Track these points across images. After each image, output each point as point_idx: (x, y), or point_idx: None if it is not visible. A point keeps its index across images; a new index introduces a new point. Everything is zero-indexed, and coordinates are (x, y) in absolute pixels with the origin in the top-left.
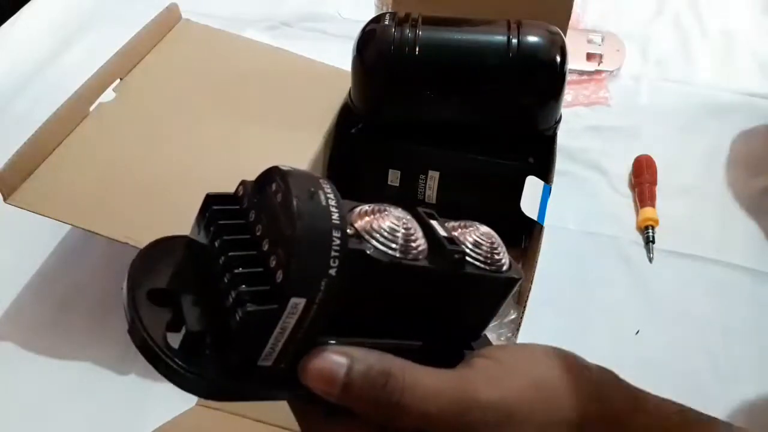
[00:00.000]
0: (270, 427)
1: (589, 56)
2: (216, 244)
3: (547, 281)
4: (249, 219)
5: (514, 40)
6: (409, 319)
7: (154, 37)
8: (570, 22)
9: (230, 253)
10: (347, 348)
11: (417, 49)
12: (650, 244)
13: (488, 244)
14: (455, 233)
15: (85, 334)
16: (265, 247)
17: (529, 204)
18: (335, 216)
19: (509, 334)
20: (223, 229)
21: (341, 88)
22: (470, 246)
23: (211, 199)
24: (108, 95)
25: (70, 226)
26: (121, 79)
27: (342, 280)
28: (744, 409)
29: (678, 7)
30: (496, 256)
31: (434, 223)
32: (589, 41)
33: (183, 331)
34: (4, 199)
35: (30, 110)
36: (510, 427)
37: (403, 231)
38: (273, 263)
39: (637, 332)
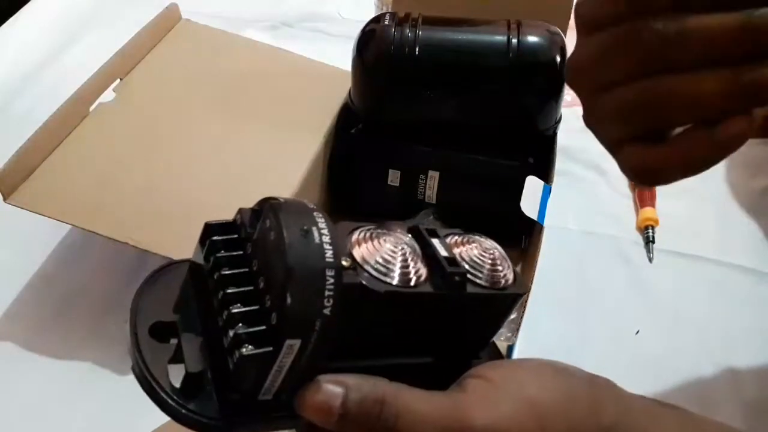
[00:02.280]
0: None
1: None
2: (215, 276)
3: (547, 281)
4: (246, 251)
5: (514, 40)
6: (415, 339)
7: (154, 37)
8: (570, 22)
9: (228, 290)
10: (342, 377)
11: (417, 49)
12: (650, 244)
13: (490, 262)
14: (457, 250)
15: (85, 334)
16: (261, 285)
17: (529, 204)
18: (329, 254)
19: (509, 334)
20: (221, 263)
21: (341, 88)
22: (472, 265)
23: (210, 228)
24: (108, 95)
25: (70, 226)
26: (121, 79)
27: (338, 317)
28: (744, 409)
29: None
30: (499, 273)
31: (435, 241)
32: None
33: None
34: (4, 199)
35: (30, 110)
36: None
37: (400, 259)
38: (268, 303)
39: (637, 332)
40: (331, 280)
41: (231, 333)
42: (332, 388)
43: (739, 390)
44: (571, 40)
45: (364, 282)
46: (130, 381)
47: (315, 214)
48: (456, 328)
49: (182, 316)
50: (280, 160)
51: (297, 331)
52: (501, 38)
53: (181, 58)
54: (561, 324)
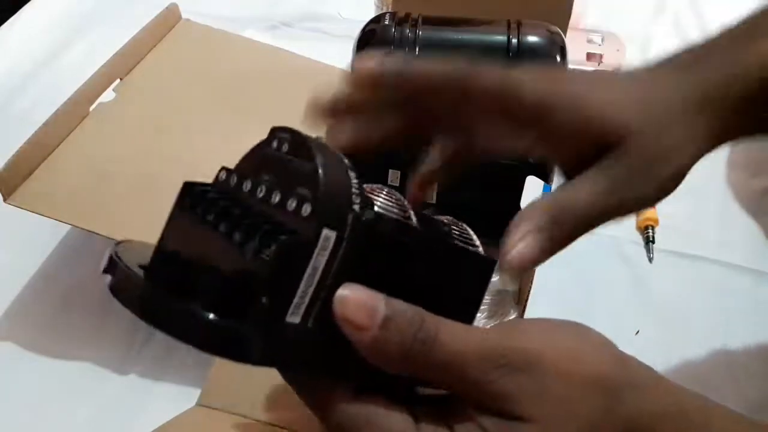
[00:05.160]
0: (270, 427)
1: (589, 56)
2: (209, 217)
3: (547, 281)
4: (242, 190)
5: (514, 40)
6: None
7: (154, 37)
8: (570, 22)
9: (235, 211)
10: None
11: (417, 49)
12: (650, 244)
13: (466, 231)
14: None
15: (85, 334)
16: (276, 199)
17: None
18: (346, 159)
19: None
20: (217, 201)
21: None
22: (452, 228)
23: (190, 186)
24: (108, 95)
25: (70, 226)
26: (121, 79)
27: (363, 223)
28: (744, 409)
29: (678, 7)
30: (475, 242)
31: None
32: (589, 41)
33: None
34: (4, 199)
35: (30, 110)
36: (538, 374)
37: (398, 200)
38: (292, 206)
39: (637, 332)
40: (355, 181)
41: (257, 237)
42: (375, 293)
43: (739, 390)
44: (571, 41)
45: (376, 207)
46: (130, 381)
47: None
48: (444, 287)
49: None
50: None
51: (333, 220)
52: (501, 38)
53: (181, 58)
54: None
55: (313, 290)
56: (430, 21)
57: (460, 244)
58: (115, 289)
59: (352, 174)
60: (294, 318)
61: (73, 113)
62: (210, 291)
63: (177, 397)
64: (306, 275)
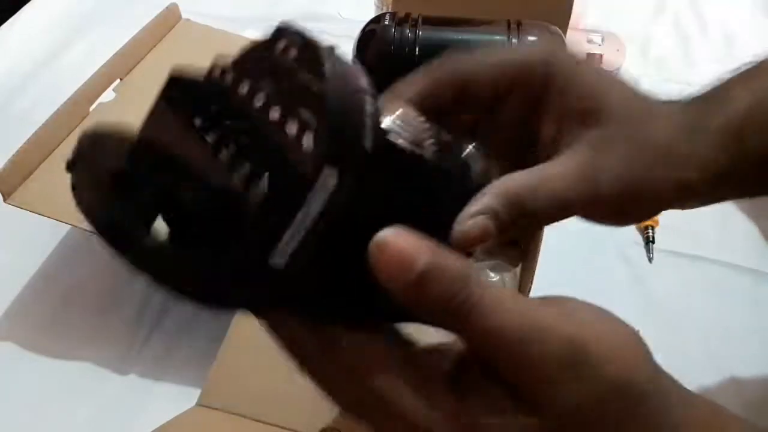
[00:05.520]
0: (270, 427)
1: (589, 56)
2: (196, 120)
3: (547, 281)
4: (238, 93)
5: (514, 40)
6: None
7: (154, 37)
8: (570, 22)
9: (226, 122)
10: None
11: (417, 49)
12: (650, 244)
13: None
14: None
15: (85, 334)
16: (275, 116)
17: None
18: (363, 80)
19: None
20: (207, 101)
21: None
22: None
23: (177, 79)
24: (108, 95)
25: (70, 226)
26: (121, 79)
27: (370, 161)
28: (744, 409)
29: (678, 7)
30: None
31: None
32: (589, 41)
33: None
34: (4, 199)
35: (30, 110)
36: (581, 369)
37: (414, 125)
38: (293, 130)
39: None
40: (371, 108)
41: (247, 165)
42: (418, 241)
43: (739, 390)
44: (571, 41)
45: (391, 138)
46: (130, 381)
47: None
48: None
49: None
50: None
51: (338, 157)
52: (501, 38)
53: (181, 58)
54: None
55: (304, 234)
56: (430, 21)
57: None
58: (78, 200)
59: (368, 93)
60: (279, 259)
61: (73, 113)
62: (185, 214)
63: (177, 397)
64: (297, 218)
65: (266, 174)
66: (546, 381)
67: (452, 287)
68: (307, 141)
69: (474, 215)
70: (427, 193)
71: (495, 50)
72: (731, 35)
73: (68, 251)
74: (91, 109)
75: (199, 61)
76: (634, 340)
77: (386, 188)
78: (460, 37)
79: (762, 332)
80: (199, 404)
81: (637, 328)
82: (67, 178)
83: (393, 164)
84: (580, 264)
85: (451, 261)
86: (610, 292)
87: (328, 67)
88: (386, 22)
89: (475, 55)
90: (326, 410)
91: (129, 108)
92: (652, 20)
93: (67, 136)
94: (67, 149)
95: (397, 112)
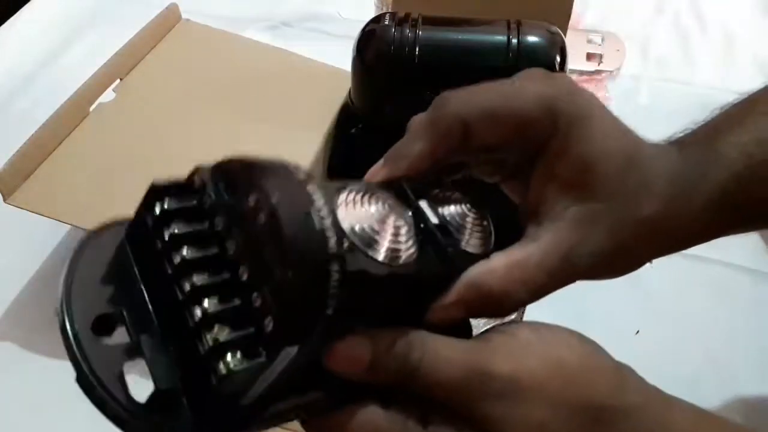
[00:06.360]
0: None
1: (589, 56)
2: (174, 259)
3: None
4: (215, 226)
5: (514, 41)
6: (410, 312)
7: (154, 37)
8: (570, 22)
9: (195, 278)
10: (366, 330)
11: (417, 49)
12: None
13: (479, 223)
14: (446, 211)
15: None
16: (244, 277)
17: None
18: (332, 242)
19: None
20: (182, 241)
21: (341, 88)
22: (464, 228)
23: (159, 190)
24: (108, 95)
25: (70, 226)
26: (121, 79)
27: (338, 316)
28: (744, 409)
29: (678, 7)
30: (486, 234)
31: (423, 205)
32: (589, 41)
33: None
34: (4, 199)
35: (30, 110)
36: (520, 401)
37: (390, 232)
38: (257, 303)
39: (637, 332)
40: (336, 276)
41: (209, 338)
42: (359, 339)
43: (739, 390)
44: (571, 41)
45: (366, 268)
46: (130, 381)
47: (308, 188)
48: (436, 296)
49: (131, 305)
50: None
51: (297, 337)
52: (501, 38)
53: (181, 58)
54: (561, 324)
55: (270, 384)
56: (430, 21)
57: (470, 250)
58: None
59: (335, 264)
60: (247, 401)
61: (73, 113)
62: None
63: None
64: (257, 382)
65: (230, 353)
66: (491, 415)
67: (396, 361)
68: (269, 325)
69: (446, 307)
70: (401, 301)
71: (496, 91)
72: (731, 35)
73: (68, 251)
74: (91, 109)
75: (199, 60)
76: (585, 357)
77: (356, 314)
78: (460, 37)
79: (762, 332)
80: None
81: (637, 328)
82: (67, 178)
83: (364, 292)
84: None
85: (387, 340)
86: (609, 292)
87: (290, 249)
88: (386, 22)
89: (473, 99)
90: None
91: (129, 108)
92: (651, 20)
93: (67, 136)
94: (67, 149)
95: (375, 217)
